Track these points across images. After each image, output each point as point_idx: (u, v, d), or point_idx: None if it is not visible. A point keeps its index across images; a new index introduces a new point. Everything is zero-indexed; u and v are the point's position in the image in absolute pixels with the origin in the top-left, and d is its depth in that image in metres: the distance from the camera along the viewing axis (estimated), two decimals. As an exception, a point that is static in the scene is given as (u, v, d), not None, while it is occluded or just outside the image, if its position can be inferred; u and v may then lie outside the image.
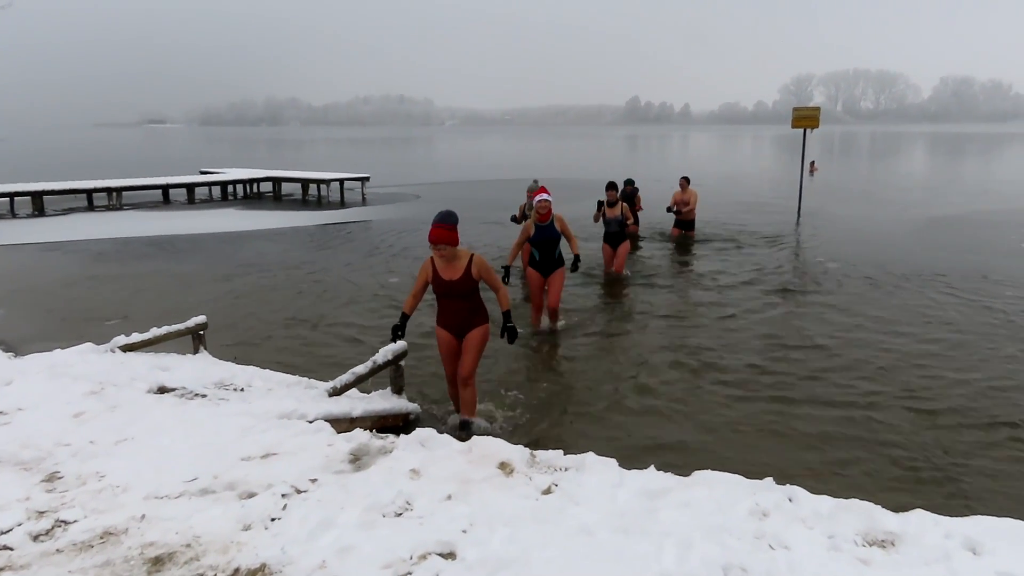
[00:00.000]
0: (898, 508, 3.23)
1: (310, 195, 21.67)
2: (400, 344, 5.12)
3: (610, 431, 4.92)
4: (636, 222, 13.11)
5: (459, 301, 4.72)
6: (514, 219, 9.98)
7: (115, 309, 8.31)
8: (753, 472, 3.44)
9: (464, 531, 2.79)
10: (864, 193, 21.70)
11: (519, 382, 5.89)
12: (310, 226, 15.55)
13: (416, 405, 5.10)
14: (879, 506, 2.97)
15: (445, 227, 4.54)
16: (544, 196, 6.89)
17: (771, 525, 2.85)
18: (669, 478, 3.28)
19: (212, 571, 2.50)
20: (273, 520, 2.87)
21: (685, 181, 12.79)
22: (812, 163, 30.11)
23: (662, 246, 12.42)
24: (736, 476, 3.25)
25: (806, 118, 14.81)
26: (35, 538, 2.73)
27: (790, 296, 8.57)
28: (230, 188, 21.71)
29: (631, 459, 4.11)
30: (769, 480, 3.22)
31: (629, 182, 12.89)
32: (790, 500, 3.07)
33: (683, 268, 10.59)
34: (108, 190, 18.49)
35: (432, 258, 4.71)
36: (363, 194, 21.40)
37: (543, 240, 6.93)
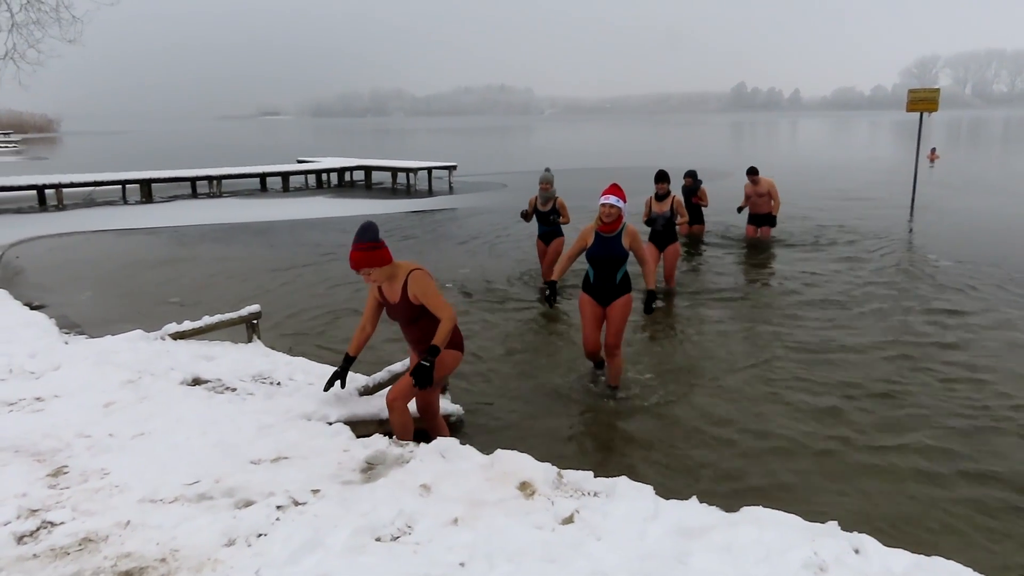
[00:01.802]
0: (1004, 571, 2.66)
1: (399, 183, 21.92)
2: (444, 341, 4.84)
3: (664, 456, 4.38)
4: (701, 220, 11.71)
5: (411, 328, 3.91)
6: (524, 216, 8.45)
7: (190, 294, 8.50)
8: (827, 514, 2.85)
9: (461, 564, 2.47)
10: (991, 184, 19.65)
11: (563, 385, 5.50)
12: (393, 214, 15.63)
13: (459, 407, 4.81)
14: (970, 570, 2.41)
15: (363, 247, 3.67)
16: (610, 199, 4.97)
17: (827, 583, 2.36)
18: (712, 513, 2.83)
19: (176, 594, 2.29)
20: (259, 536, 2.64)
21: (754, 171, 11.10)
22: (932, 150, 27.73)
23: (734, 248, 10.89)
24: (793, 517, 2.76)
25: (923, 100, 13.47)
26: (19, 539, 2.61)
27: (892, 304, 7.63)
28: (324, 177, 22.26)
29: (683, 486, 3.66)
30: (833, 524, 2.71)
31: (691, 174, 11.41)
32: (856, 552, 2.56)
33: (760, 274, 9.28)
34: (209, 178, 19.36)
35: None
36: (450, 182, 21.44)
37: (603, 257, 5.05)
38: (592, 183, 17.65)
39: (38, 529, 2.68)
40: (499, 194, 19.01)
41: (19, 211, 16.30)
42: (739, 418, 4.84)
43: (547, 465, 3.21)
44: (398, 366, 4.59)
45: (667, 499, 2.95)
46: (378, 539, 2.64)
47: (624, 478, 3.07)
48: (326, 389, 4.02)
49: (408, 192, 20.20)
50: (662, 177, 8.27)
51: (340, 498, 2.95)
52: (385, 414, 4.12)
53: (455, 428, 4.67)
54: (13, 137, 58.78)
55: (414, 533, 2.69)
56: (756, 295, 8.15)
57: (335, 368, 4.05)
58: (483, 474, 3.16)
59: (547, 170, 8.41)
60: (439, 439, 3.49)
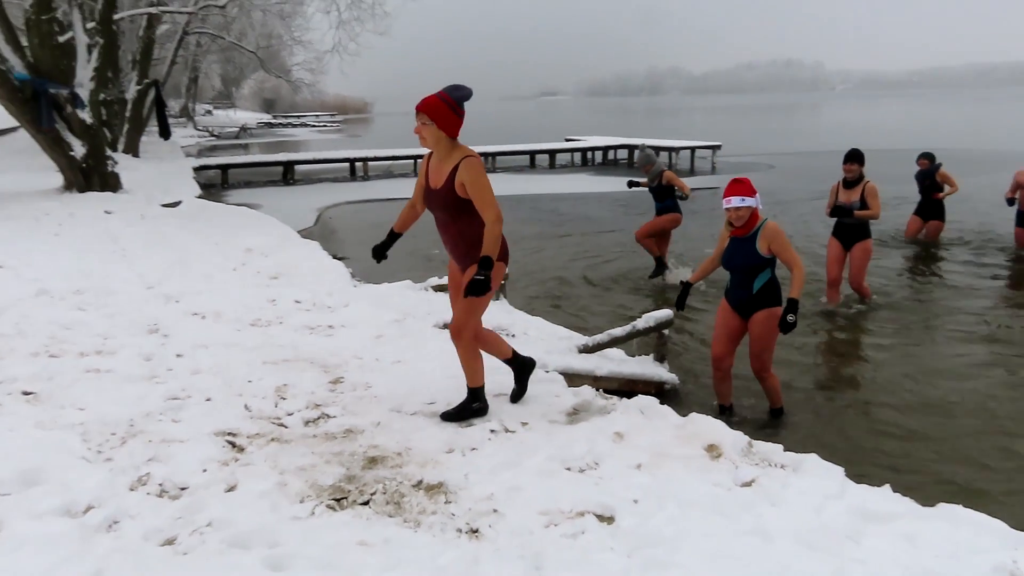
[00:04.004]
0: None
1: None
2: (665, 312, 5.05)
3: (868, 447, 4.17)
4: (940, 216, 9.37)
5: (449, 226, 3.40)
6: (633, 184, 8.06)
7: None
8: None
9: (635, 501, 2.74)
10: None
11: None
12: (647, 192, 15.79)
13: (674, 376, 4.99)
14: None
15: (441, 96, 3.23)
16: (732, 201, 4.26)
17: (1017, 591, 2.23)
18: (903, 503, 2.75)
19: (404, 478, 2.89)
20: (472, 449, 3.17)
21: None
22: None
23: (987, 257, 8.63)
24: (997, 521, 2.59)
25: None
26: (306, 423, 3.45)
27: None
28: (588, 155, 23.10)
29: (880, 479, 3.52)
30: (1045, 537, 2.49)
31: (927, 156, 9.37)
32: (1066, 568, 2.34)
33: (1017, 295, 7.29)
34: (484, 155, 21.23)
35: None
36: (713, 163, 20.95)
37: (736, 266, 4.41)
38: (884, 167, 16.10)
39: (319, 418, 3.50)
40: (764, 176, 18.15)
41: (334, 180, 19.42)
42: (963, 426, 4.38)
43: (738, 433, 3.32)
44: (618, 330, 4.91)
45: (859, 483, 2.92)
46: (568, 468, 3.02)
47: (815, 455, 3.08)
48: (377, 259, 3.80)
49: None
50: (852, 157, 6.70)
51: (544, 432, 3.38)
52: (599, 371, 4.49)
53: (668, 396, 4.87)
54: (337, 118, 69.14)
55: (599, 469, 3.02)
56: (999, 320, 6.42)
57: (570, 331, 3.77)
58: (675, 432, 3.38)
59: (641, 149, 7.91)
60: (640, 397, 3.75)
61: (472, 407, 3.52)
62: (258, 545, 2.37)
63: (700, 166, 20.73)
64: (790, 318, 4.19)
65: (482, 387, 3.54)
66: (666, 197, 7.87)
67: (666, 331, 5.09)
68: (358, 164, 20.12)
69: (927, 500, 2.79)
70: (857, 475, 3.04)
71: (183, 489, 2.73)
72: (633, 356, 5.18)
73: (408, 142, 29.32)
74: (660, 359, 5.11)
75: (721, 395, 4.71)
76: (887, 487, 2.86)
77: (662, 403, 3.74)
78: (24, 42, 10.58)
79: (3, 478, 2.68)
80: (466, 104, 3.36)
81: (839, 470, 2.97)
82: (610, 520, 2.62)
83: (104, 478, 2.75)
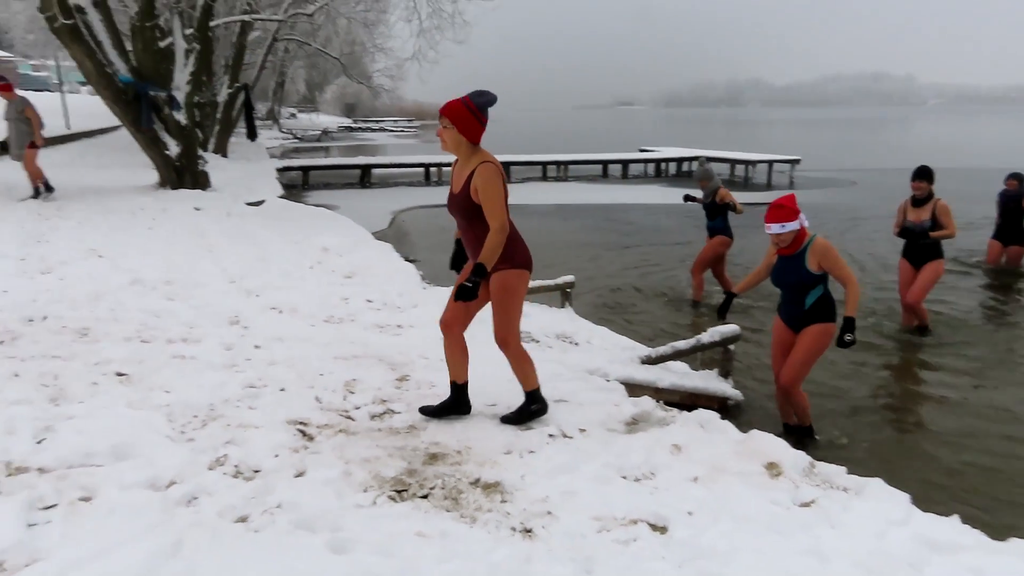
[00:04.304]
0: None
1: (736, 176, 21.52)
2: (732, 327, 4.99)
3: (942, 474, 4.04)
4: (1022, 241, 9.00)
5: (467, 231, 3.38)
6: (689, 198, 7.83)
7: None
8: None
9: (689, 513, 2.75)
10: None
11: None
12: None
13: (738, 392, 4.93)
14: None
15: (463, 100, 3.25)
16: (771, 228, 4.24)
17: (1090, 632, 2.13)
18: (972, 535, 2.66)
19: (463, 475, 2.98)
20: (530, 452, 3.23)
21: None
22: None
23: None
24: (1074, 561, 2.47)
25: None
26: (372, 417, 3.58)
27: None
28: (662, 166, 22.86)
29: (949, 509, 3.40)
30: None
31: (1016, 177, 8.95)
32: None
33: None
34: (557, 163, 21.32)
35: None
36: (791, 177, 20.39)
37: (787, 283, 4.38)
38: (973, 186, 15.43)
39: (384, 413, 3.63)
40: (844, 192, 17.57)
41: (409, 184, 19.87)
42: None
43: (800, 453, 3.27)
44: (682, 343, 4.89)
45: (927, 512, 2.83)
46: (623, 477, 3.05)
47: (879, 480, 3.01)
48: (454, 268, 3.91)
49: (745, 185, 19.78)
50: (921, 174, 6.41)
51: (601, 439, 3.41)
52: (660, 383, 4.48)
53: (731, 412, 4.81)
54: (414, 123, 70.50)
55: (655, 479, 3.03)
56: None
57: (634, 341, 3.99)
58: (734, 448, 3.35)
59: (701, 163, 7.70)
60: (700, 411, 3.74)
61: (531, 409, 3.58)
62: (322, 529, 2.50)
63: (777, 180, 20.21)
64: (848, 337, 4.12)
65: (538, 389, 3.61)
66: (717, 215, 7.58)
67: (732, 346, 5.03)
68: (432, 169, 20.52)
69: (998, 535, 2.69)
70: (925, 504, 2.94)
71: (256, 472, 2.90)
72: (697, 370, 5.14)
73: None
74: (725, 374, 5.05)
75: (785, 413, 4.62)
76: (955, 517, 2.77)
77: (723, 418, 3.71)
78: (128, 47, 11.30)
79: (98, 450, 2.91)
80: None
81: (905, 496, 2.89)
82: (663, 530, 2.64)
83: (186, 457, 2.95)
